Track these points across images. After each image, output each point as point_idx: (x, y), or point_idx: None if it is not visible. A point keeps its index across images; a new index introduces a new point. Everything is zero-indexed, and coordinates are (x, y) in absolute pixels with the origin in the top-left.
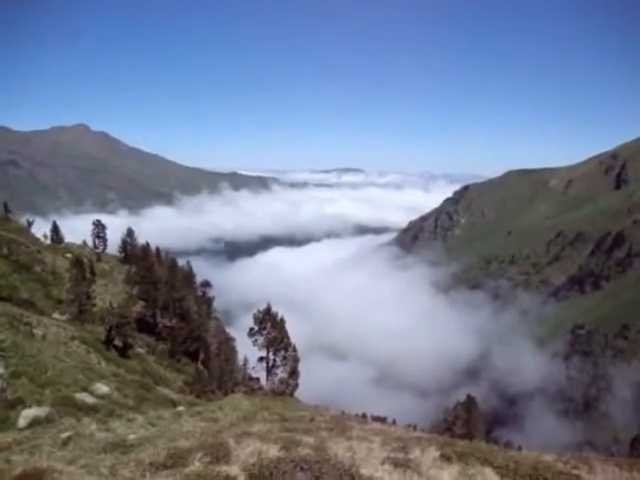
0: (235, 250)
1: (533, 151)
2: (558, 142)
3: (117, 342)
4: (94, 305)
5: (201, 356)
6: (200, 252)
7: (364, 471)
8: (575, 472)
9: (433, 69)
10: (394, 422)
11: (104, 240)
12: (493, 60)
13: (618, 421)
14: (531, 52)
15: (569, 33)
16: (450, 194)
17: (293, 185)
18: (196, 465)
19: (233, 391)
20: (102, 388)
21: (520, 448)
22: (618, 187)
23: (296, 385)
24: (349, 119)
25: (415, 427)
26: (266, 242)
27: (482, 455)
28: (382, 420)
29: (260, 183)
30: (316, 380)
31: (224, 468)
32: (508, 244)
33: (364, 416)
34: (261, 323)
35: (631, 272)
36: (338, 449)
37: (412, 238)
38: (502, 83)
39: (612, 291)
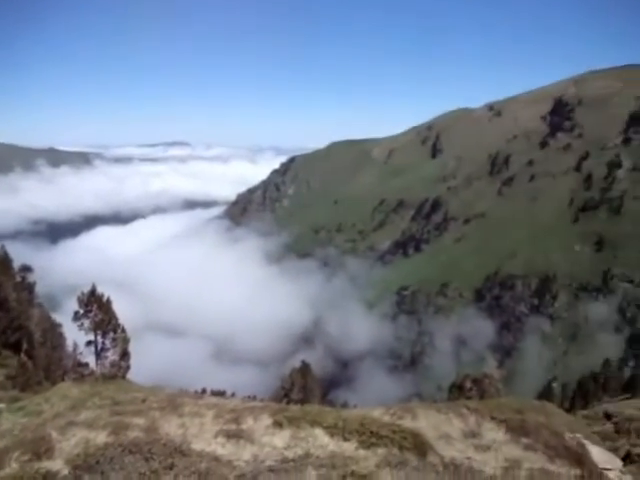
0: (57, 231)
1: (357, 122)
2: (380, 113)
3: None
4: None
5: (24, 346)
6: (17, 235)
7: (196, 446)
8: (399, 422)
9: (247, 42)
10: (233, 395)
11: None
12: (310, 35)
13: (441, 371)
14: (353, 25)
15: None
16: (277, 166)
17: (117, 160)
18: (12, 466)
19: (63, 380)
20: None
21: (355, 406)
22: (434, 156)
23: (128, 367)
24: (173, 92)
25: (255, 397)
26: (90, 221)
27: (312, 417)
28: (221, 394)
29: (81, 159)
30: (154, 360)
31: (45, 464)
32: (335, 213)
33: (204, 391)
34: (86, 306)
35: (447, 235)
36: (170, 427)
37: (241, 210)
38: (324, 57)
39: (432, 253)
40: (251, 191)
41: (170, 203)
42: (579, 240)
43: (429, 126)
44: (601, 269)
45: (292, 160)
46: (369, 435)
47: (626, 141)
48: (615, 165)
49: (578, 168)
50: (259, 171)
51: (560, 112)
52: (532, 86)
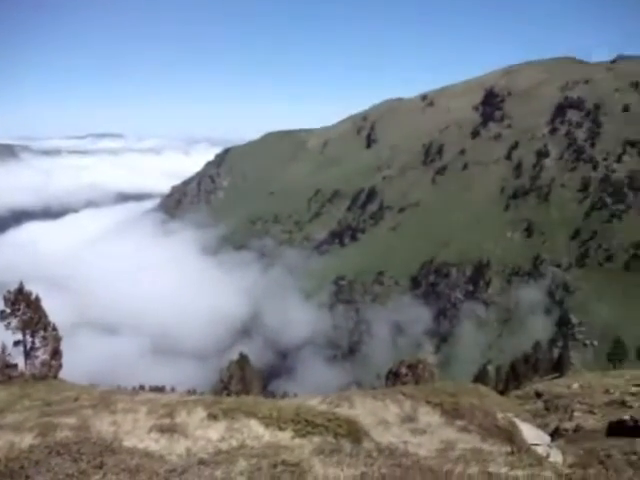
0: None
1: (291, 113)
2: (315, 103)
3: None
4: None
5: None
6: None
7: (128, 443)
8: (336, 410)
9: (176, 29)
10: (173, 390)
11: None
12: (241, 24)
13: (379, 358)
14: (283, 14)
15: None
16: (211, 157)
17: (45, 152)
18: None
19: None
20: None
21: (295, 396)
22: (369, 146)
23: (60, 366)
24: (103, 81)
25: (194, 391)
26: (18, 216)
27: (248, 408)
28: (160, 390)
29: (7, 151)
30: (90, 358)
31: None
32: (271, 204)
33: (142, 388)
34: (13, 304)
35: (383, 224)
36: (102, 425)
37: (176, 203)
38: (258, 47)
39: (368, 242)
40: (186, 183)
41: (102, 196)
42: (510, 227)
43: (364, 116)
44: (531, 254)
45: (227, 151)
46: (304, 424)
47: (553, 131)
48: (543, 154)
49: (508, 157)
50: (193, 163)
51: (491, 103)
52: (464, 77)
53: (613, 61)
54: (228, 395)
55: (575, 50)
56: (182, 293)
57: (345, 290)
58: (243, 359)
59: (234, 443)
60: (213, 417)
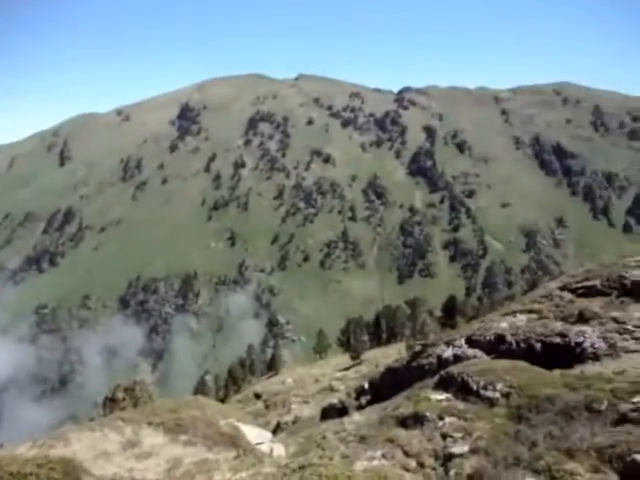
0: None
1: None
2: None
3: None
4: None
5: None
6: None
7: None
8: (50, 451)
9: None
10: None
11: None
12: None
13: (94, 387)
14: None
15: None
16: None
17: None
18: None
19: None
20: None
21: (1, 446)
22: (62, 164)
23: None
24: None
25: None
26: None
27: None
28: None
29: None
30: None
31: None
32: None
33: None
34: None
35: (84, 245)
36: None
37: None
38: None
39: (69, 266)
40: None
41: None
42: (214, 237)
43: (54, 132)
44: (236, 262)
45: None
46: (10, 477)
47: (247, 143)
48: (239, 165)
49: (207, 169)
50: None
51: (187, 116)
52: (158, 91)
53: (296, 79)
54: None
55: (261, 67)
56: None
57: (48, 319)
58: None
59: None
60: None
